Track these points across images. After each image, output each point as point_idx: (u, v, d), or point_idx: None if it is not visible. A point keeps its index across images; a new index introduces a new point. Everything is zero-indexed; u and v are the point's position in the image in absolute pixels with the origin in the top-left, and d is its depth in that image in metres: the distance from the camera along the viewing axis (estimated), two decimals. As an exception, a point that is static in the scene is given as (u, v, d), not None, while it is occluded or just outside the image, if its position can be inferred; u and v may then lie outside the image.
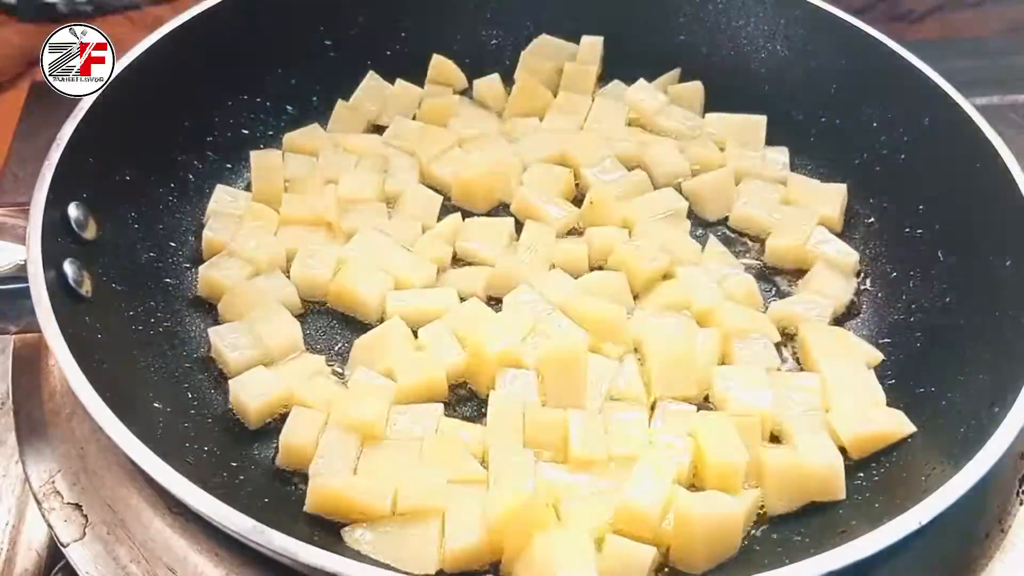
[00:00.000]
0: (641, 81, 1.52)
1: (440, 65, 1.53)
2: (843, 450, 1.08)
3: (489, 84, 1.53)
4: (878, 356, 1.20)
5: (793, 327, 1.24)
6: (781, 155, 1.45)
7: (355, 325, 1.22)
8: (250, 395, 1.10)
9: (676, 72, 1.55)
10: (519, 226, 1.33)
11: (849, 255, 1.32)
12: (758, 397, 1.11)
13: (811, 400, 1.13)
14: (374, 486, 1.00)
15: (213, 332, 1.17)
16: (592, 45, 1.55)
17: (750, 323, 1.21)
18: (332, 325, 1.23)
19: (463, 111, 1.49)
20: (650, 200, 1.37)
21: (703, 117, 1.51)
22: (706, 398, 1.15)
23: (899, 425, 1.09)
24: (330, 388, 1.12)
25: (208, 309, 1.23)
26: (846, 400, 1.12)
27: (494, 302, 1.25)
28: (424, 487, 1.00)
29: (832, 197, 1.38)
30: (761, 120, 1.47)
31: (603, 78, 1.56)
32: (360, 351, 1.16)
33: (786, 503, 1.05)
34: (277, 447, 1.07)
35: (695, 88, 1.53)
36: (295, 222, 1.31)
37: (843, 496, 1.04)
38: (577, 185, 1.41)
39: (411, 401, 1.11)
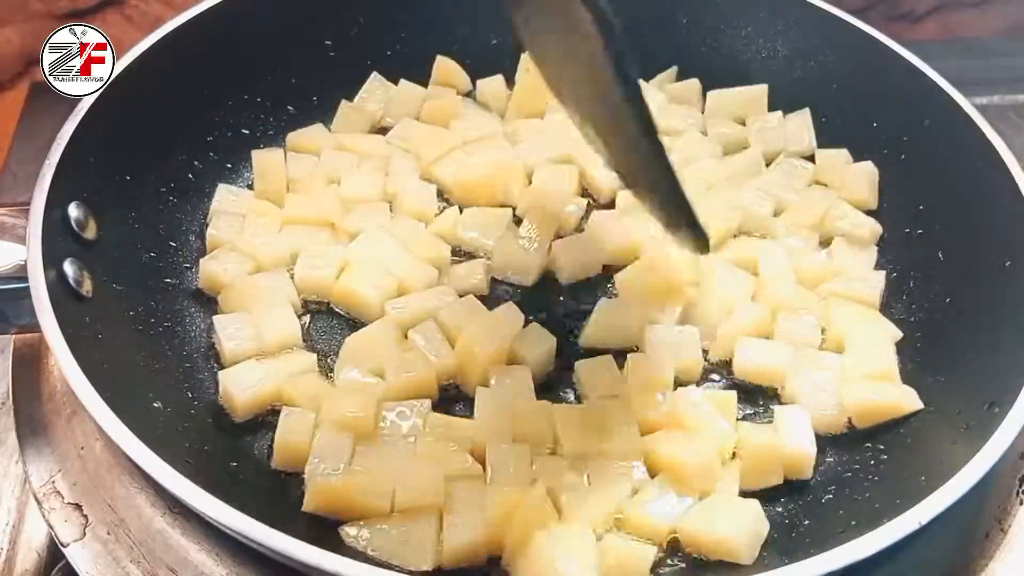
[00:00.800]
0: (639, 81, 1.52)
1: (444, 66, 1.52)
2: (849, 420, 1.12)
3: (492, 85, 1.52)
4: (898, 334, 1.21)
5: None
6: (803, 118, 1.45)
7: (359, 326, 1.22)
8: (238, 388, 1.09)
9: (673, 71, 1.54)
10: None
11: (864, 225, 1.32)
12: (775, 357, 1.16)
13: (827, 375, 1.15)
14: (373, 484, 1.00)
15: (217, 320, 1.17)
16: (592, 45, 1.55)
17: (801, 302, 1.22)
18: (334, 325, 1.23)
19: (466, 113, 1.48)
20: (702, 168, 1.37)
21: (702, 113, 1.50)
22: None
23: (905, 398, 1.10)
24: (318, 386, 1.12)
25: (209, 309, 1.23)
26: (859, 370, 1.14)
27: (497, 283, 1.27)
28: (421, 484, 1.00)
29: (860, 176, 1.37)
30: (762, 89, 1.48)
31: (602, 79, 1.56)
32: (350, 350, 1.16)
33: (755, 481, 1.06)
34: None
35: (692, 86, 1.52)
36: (299, 222, 1.30)
37: (809, 476, 1.07)
38: (584, 189, 1.41)
39: (400, 400, 1.10)
